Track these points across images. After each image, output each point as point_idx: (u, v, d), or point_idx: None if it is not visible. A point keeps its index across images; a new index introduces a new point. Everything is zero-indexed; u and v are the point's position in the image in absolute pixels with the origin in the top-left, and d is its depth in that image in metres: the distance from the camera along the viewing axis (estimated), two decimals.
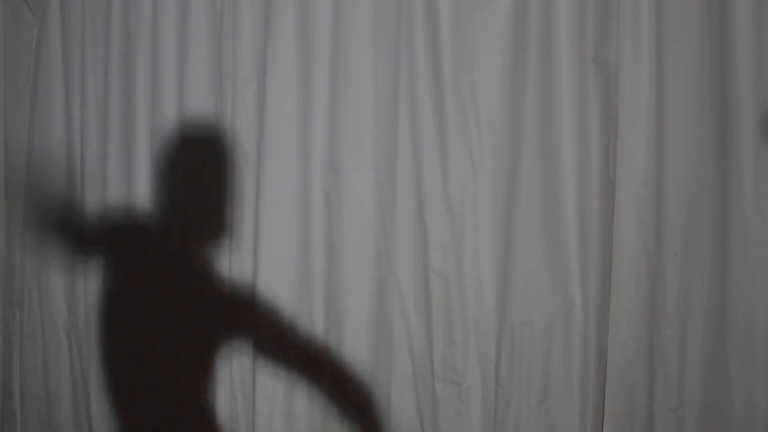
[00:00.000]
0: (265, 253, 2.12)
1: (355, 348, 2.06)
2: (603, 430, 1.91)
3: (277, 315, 2.12)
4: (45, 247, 2.48)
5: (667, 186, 1.82)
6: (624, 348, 1.89)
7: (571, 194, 1.86)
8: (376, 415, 2.05)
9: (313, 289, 2.10)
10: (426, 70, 1.96)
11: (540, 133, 1.90)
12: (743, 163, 1.73)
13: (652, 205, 1.85)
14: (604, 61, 1.85)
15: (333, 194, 2.06)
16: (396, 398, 2.03)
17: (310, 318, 2.11)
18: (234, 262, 2.19)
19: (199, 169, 2.22)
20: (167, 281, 2.27)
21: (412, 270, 2.01)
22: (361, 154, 2.04)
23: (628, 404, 1.89)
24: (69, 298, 2.47)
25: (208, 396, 2.20)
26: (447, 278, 1.97)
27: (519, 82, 1.92)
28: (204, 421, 2.20)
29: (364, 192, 2.04)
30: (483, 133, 1.95)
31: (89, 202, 2.38)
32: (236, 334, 2.18)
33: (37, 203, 2.47)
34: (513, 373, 1.94)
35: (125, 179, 2.33)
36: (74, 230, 2.42)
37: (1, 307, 2.59)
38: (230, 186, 2.17)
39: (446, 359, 1.98)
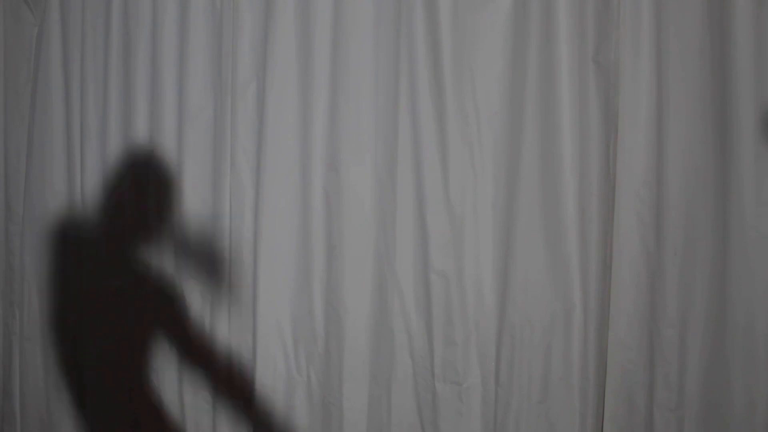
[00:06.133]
0: (265, 252, 2.12)
1: (355, 348, 2.06)
2: (603, 430, 1.91)
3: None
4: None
5: (667, 186, 1.82)
6: (624, 348, 1.89)
7: (571, 194, 1.86)
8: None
9: (313, 289, 2.10)
10: (426, 69, 1.96)
11: (540, 132, 1.90)
12: (743, 163, 1.73)
13: (652, 205, 1.85)
14: (604, 61, 1.85)
15: (333, 194, 2.06)
16: (396, 398, 2.03)
17: (310, 318, 2.11)
18: (234, 262, 2.19)
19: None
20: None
21: (412, 270, 2.01)
22: (361, 153, 2.04)
23: (628, 404, 1.89)
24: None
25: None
26: (447, 278, 1.97)
27: (519, 82, 1.92)
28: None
29: (364, 192, 2.04)
30: (483, 132, 1.95)
31: (88, 201, 2.39)
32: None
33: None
34: (513, 373, 1.94)
35: None
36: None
37: (1, 307, 2.59)
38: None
39: (446, 359, 1.98)
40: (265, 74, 2.11)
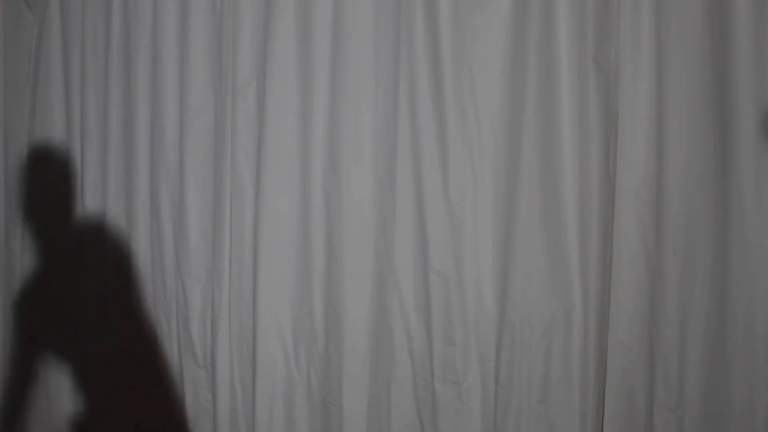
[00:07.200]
0: (265, 252, 2.12)
1: (354, 348, 2.05)
2: (603, 430, 1.91)
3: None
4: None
5: (667, 186, 1.82)
6: (624, 348, 1.89)
7: (571, 194, 1.86)
8: None
9: (312, 289, 2.10)
10: (426, 70, 1.96)
11: (540, 132, 1.90)
12: (743, 163, 1.73)
13: (652, 205, 1.85)
14: (604, 60, 1.85)
15: (333, 194, 2.06)
16: (396, 398, 2.03)
17: (310, 318, 2.11)
18: (234, 262, 2.19)
19: None
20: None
21: (412, 270, 2.01)
22: (361, 154, 2.04)
23: (628, 404, 1.89)
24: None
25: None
26: (447, 278, 1.97)
27: (519, 82, 1.92)
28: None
29: (363, 192, 2.04)
30: (483, 132, 1.95)
31: (89, 201, 2.39)
32: None
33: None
34: (513, 373, 1.94)
35: (125, 179, 2.34)
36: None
37: (1, 307, 2.59)
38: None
39: (446, 359, 1.98)
40: (265, 74, 2.11)
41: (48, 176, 2.46)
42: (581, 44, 1.86)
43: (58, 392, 2.48)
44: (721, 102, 1.76)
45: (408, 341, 2.02)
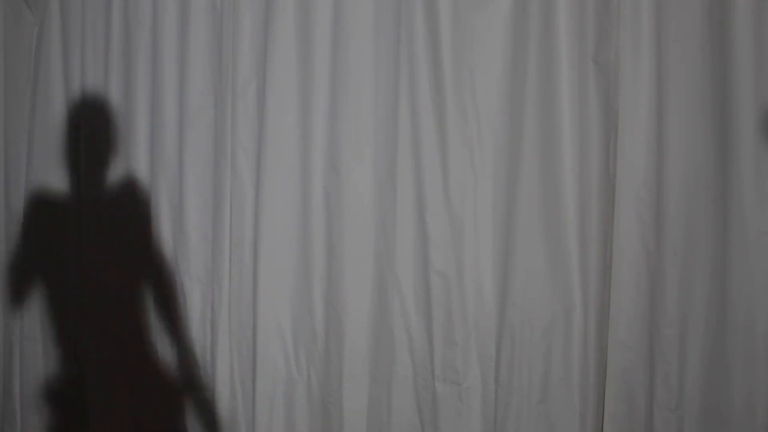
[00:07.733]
0: (265, 253, 2.12)
1: (355, 348, 2.06)
2: (603, 430, 1.91)
3: None
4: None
5: (667, 186, 1.82)
6: (624, 348, 1.89)
7: (571, 194, 1.86)
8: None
9: (313, 289, 2.10)
10: (426, 70, 1.96)
11: (540, 133, 1.90)
12: (743, 163, 1.73)
13: (652, 205, 1.85)
14: (604, 60, 1.85)
15: (333, 194, 2.06)
16: (396, 398, 2.03)
17: (310, 318, 2.11)
18: (234, 262, 2.19)
19: None
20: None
21: (413, 270, 2.01)
22: (362, 154, 2.04)
23: (628, 404, 1.89)
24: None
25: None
26: (447, 278, 1.97)
27: (519, 82, 1.92)
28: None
29: (364, 192, 2.04)
30: (483, 133, 1.95)
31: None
32: None
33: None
34: (513, 373, 1.94)
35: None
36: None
37: (1, 307, 2.59)
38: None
39: (446, 359, 1.98)
40: (265, 74, 2.11)
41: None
42: (581, 44, 1.86)
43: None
44: (721, 102, 1.76)
45: (408, 341, 2.02)
